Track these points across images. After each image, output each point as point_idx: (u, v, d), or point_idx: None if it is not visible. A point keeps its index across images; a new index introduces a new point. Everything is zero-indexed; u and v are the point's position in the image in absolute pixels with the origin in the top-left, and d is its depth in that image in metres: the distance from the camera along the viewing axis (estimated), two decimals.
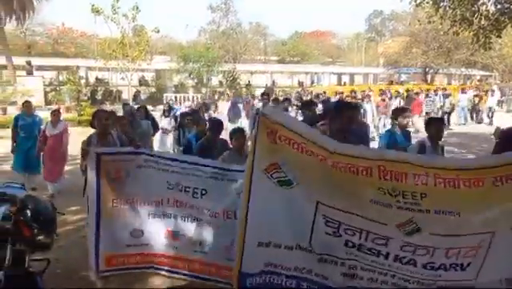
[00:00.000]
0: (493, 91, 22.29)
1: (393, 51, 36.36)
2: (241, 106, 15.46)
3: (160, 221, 4.31)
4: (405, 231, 2.83)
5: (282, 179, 3.10)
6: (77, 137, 7.70)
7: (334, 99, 21.34)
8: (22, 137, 8.06)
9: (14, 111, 16.88)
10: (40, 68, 29.24)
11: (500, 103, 24.31)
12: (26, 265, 3.61)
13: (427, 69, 33.76)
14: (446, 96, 19.18)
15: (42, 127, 7.96)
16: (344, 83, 37.12)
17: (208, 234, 4.23)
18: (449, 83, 37.59)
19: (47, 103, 19.47)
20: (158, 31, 24.30)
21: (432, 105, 18.16)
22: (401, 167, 2.71)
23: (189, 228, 4.25)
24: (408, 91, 21.78)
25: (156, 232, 4.33)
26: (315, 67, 42.83)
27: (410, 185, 2.69)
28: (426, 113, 17.15)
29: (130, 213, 4.32)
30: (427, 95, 18.96)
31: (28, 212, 3.57)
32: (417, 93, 19.86)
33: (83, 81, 27.00)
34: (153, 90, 28.76)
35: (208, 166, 4.17)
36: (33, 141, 7.99)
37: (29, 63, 21.09)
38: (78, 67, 27.55)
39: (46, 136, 7.79)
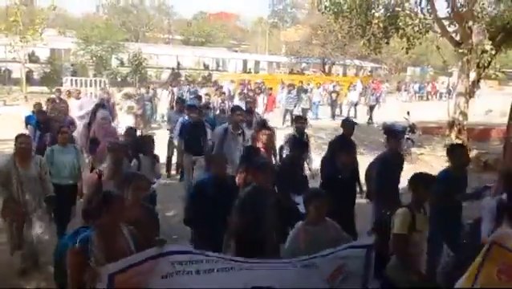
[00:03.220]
0: (354, 85, 22.62)
1: (294, 40, 38.19)
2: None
3: None
4: None
5: None
6: None
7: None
8: None
9: None
10: None
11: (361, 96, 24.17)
12: None
13: (325, 60, 36.18)
14: (304, 92, 18.40)
15: None
16: (250, 70, 38.13)
17: None
18: (345, 74, 40.82)
19: None
20: (54, 9, 22.53)
21: (293, 102, 17.24)
22: None
23: None
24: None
25: None
26: (222, 53, 43.21)
27: None
28: (286, 110, 16.89)
29: None
30: (289, 92, 17.67)
31: None
32: (271, 88, 19.24)
33: None
34: (48, 70, 26.67)
35: None
36: None
37: None
38: None
39: None
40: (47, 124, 7.52)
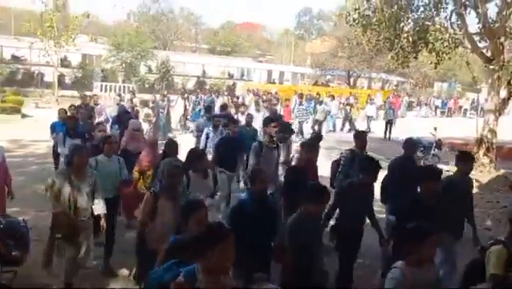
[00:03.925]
0: (372, 99, 21.87)
1: (320, 52, 38.27)
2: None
3: None
4: None
5: None
6: (1, 125, 6.98)
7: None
8: None
9: None
10: None
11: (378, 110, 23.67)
12: None
13: (350, 72, 36.08)
14: (319, 103, 17.81)
15: None
16: (274, 81, 38.33)
17: None
18: (370, 87, 40.56)
19: None
20: (88, 16, 23.33)
21: (305, 114, 16.65)
22: None
23: None
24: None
25: None
26: (247, 62, 43.66)
27: None
28: (299, 122, 16.11)
29: None
30: (300, 103, 17.18)
31: (3, 229, 3.78)
32: (288, 99, 18.49)
33: None
34: (79, 75, 27.52)
35: None
36: None
37: None
38: None
39: None
40: (77, 131, 7.31)
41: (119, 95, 13.41)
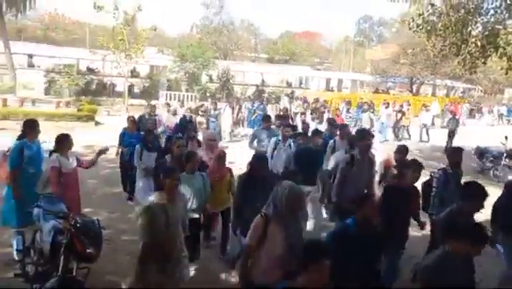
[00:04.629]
0: (426, 106, 20.89)
1: (380, 59, 37.30)
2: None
3: None
4: None
5: None
6: (77, 132, 7.22)
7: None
8: (30, 174, 5.37)
9: (14, 104, 16.96)
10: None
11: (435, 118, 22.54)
12: (74, 273, 4.18)
13: (413, 79, 34.77)
14: (363, 111, 17.04)
15: (51, 162, 5.21)
16: (332, 89, 37.90)
17: None
18: (434, 94, 38.82)
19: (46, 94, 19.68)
20: (155, 29, 24.63)
21: (352, 121, 15.80)
22: None
23: None
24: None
25: None
26: (306, 71, 43.62)
27: None
28: None
29: None
30: (348, 110, 16.55)
31: (80, 228, 4.13)
32: (337, 108, 17.63)
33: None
34: (147, 84, 29.08)
35: None
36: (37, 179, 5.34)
37: (30, 56, 21.31)
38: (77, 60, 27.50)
39: (61, 173, 5.19)
40: (154, 145, 7.28)
41: (168, 104, 13.61)
